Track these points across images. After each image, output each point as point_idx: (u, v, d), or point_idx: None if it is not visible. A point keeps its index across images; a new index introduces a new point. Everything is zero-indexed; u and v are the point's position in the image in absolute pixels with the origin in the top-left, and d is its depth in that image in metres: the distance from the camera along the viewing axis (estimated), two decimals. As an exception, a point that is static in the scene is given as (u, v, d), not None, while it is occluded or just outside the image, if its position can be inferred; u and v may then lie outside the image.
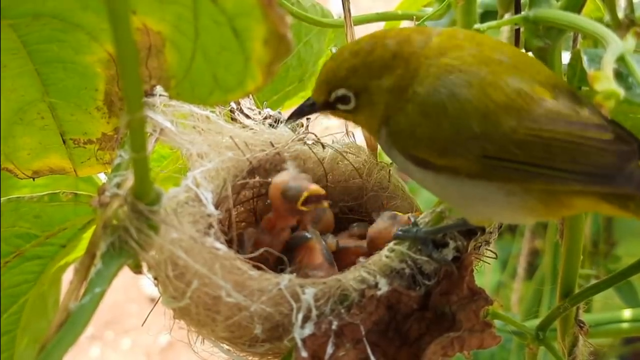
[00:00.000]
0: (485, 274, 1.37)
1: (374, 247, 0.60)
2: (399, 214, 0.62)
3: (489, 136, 0.45)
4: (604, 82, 0.41)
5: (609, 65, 0.42)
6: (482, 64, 0.46)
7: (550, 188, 0.46)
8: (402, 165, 0.50)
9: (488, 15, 0.86)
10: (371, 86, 0.49)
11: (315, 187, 0.57)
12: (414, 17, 0.72)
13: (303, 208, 0.56)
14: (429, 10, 0.77)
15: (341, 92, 0.50)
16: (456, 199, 0.51)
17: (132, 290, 2.40)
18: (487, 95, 0.45)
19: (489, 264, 0.58)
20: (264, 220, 0.62)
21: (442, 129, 0.46)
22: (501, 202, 0.47)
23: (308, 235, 0.60)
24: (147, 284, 2.35)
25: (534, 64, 0.48)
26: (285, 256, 0.58)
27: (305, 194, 0.56)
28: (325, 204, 0.57)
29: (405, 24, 0.82)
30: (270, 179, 0.60)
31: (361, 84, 0.49)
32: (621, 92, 0.40)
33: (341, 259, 0.61)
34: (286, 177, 0.58)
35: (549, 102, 0.45)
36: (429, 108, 0.46)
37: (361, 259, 0.56)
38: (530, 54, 0.53)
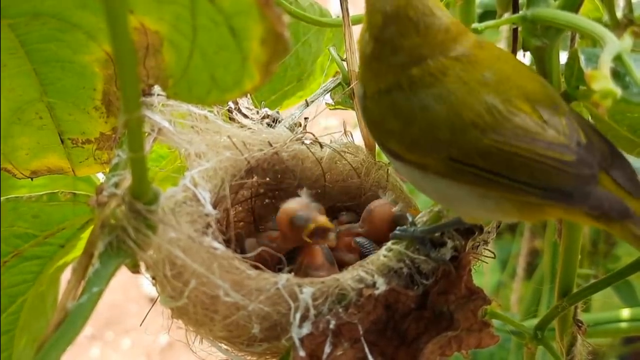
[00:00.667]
0: (484, 274, 1.37)
1: (370, 220, 0.62)
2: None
3: (454, 142, 0.45)
4: (601, 81, 0.41)
5: (606, 64, 0.42)
6: (460, 82, 0.46)
7: (510, 197, 0.46)
8: (383, 152, 0.52)
9: (488, 15, 0.86)
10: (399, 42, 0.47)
11: (323, 220, 0.57)
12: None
13: (308, 240, 0.56)
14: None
15: (388, 32, 0.48)
16: (433, 194, 0.52)
17: (131, 290, 2.41)
18: (456, 113, 0.45)
19: (486, 263, 0.58)
20: (267, 235, 0.62)
21: (409, 131, 0.47)
22: (475, 203, 0.48)
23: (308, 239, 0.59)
24: (146, 283, 2.36)
25: (522, 77, 0.48)
26: (286, 257, 0.58)
27: (311, 226, 0.56)
28: (332, 236, 0.57)
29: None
30: (268, 178, 0.61)
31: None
32: (618, 91, 0.40)
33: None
34: (296, 205, 0.58)
35: (520, 118, 0.45)
36: (399, 111, 0.47)
37: (358, 238, 0.59)
38: (528, 55, 0.53)
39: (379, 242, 0.60)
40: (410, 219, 0.56)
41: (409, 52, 0.47)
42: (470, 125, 0.45)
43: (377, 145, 0.66)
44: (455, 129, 0.45)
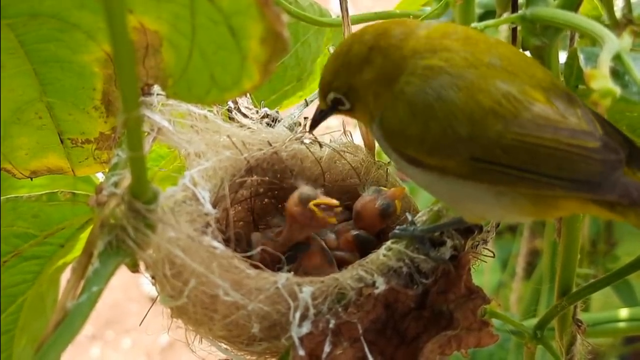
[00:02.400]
0: (485, 273, 1.37)
1: (360, 219, 0.62)
2: (384, 188, 0.62)
3: (476, 140, 0.45)
4: (600, 80, 0.41)
5: (605, 63, 0.42)
6: (471, 67, 0.46)
7: (530, 192, 0.46)
8: (396, 161, 0.51)
9: (488, 15, 0.86)
10: (354, 83, 0.50)
11: (328, 199, 0.57)
12: (411, 16, 0.72)
13: (315, 209, 0.56)
14: (428, 9, 0.77)
15: (332, 95, 0.52)
16: (447, 196, 0.51)
17: (132, 289, 2.41)
18: (475, 99, 0.45)
19: (485, 262, 0.58)
20: (272, 230, 0.62)
21: (429, 130, 0.46)
22: (491, 201, 0.47)
23: (307, 244, 0.59)
24: (147, 283, 2.35)
25: (529, 64, 0.48)
26: (286, 257, 0.58)
27: (318, 200, 0.57)
28: (338, 211, 0.57)
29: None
30: (267, 178, 0.61)
31: (345, 83, 0.51)
32: (617, 90, 0.40)
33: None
34: (302, 189, 0.59)
35: (538, 107, 0.45)
36: (416, 109, 0.46)
37: (353, 230, 0.61)
38: (527, 53, 0.53)
39: (375, 235, 0.62)
40: (409, 218, 0.56)
41: (409, 50, 0.48)
42: (490, 114, 0.44)
43: (377, 147, 0.66)
44: (475, 119, 0.44)
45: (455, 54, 0.46)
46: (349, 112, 0.53)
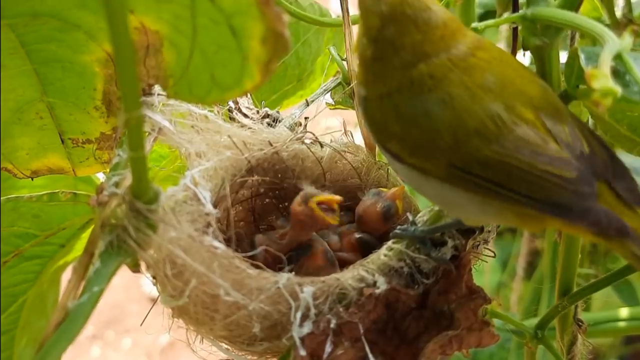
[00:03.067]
0: (485, 273, 1.37)
1: (363, 223, 0.62)
2: (384, 189, 0.63)
3: (455, 150, 0.45)
4: (601, 80, 0.41)
5: (606, 63, 0.42)
6: (463, 87, 0.45)
7: (508, 207, 0.46)
8: (383, 154, 0.52)
9: (488, 15, 0.86)
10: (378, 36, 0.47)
11: (330, 196, 0.57)
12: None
13: (315, 207, 0.56)
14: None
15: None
16: (435, 199, 0.52)
17: (133, 290, 2.41)
18: (460, 120, 0.45)
19: (486, 262, 0.58)
20: (275, 232, 0.62)
21: (411, 135, 0.46)
22: (476, 210, 0.48)
23: (309, 246, 0.60)
24: (147, 283, 2.35)
25: (525, 81, 0.48)
26: (287, 258, 0.58)
27: (320, 197, 0.57)
28: (335, 215, 0.57)
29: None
30: (268, 178, 0.61)
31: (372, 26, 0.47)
32: (618, 90, 0.40)
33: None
34: (306, 189, 0.59)
35: (522, 129, 0.45)
36: (402, 115, 0.47)
37: (356, 234, 0.61)
38: (527, 54, 0.53)
39: (378, 238, 0.61)
40: (410, 218, 0.56)
41: (411, 49, 0.46)
42: (474, 134, 0.44)
43: (377, 146, 0.66)
44: (458, 138, 0.45)
45: (450, 71, 0.46)
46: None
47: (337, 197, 0.57)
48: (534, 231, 0.65)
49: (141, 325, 0.57)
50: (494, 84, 0.46)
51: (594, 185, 0.45)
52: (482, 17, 0.86)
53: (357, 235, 0.62)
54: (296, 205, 0.57)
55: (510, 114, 0.45)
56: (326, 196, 0.57)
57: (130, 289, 2.40)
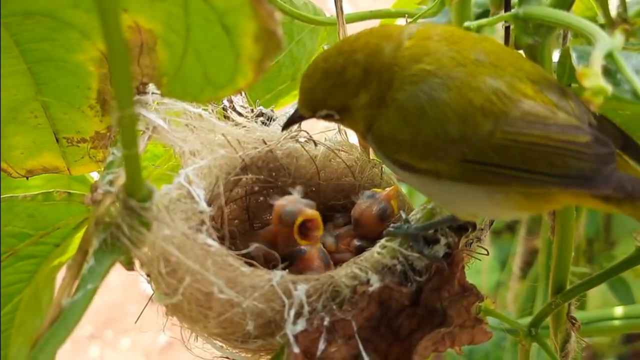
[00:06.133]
0: (483, 273, 1.38)
1: (359, 226, 0.62)
2: (377, 190, 0.63)
3: (467, 140, 0.45)
4: (592, 78, 0.41)
5: (597, 61, 0.42)
6: (459, 66, 0.46)
7: (522, 189, 0.46)
8: (389, 166, 0.52)
9: (485, 14, 0.86)
10: (349, 104, 0.50)
11: (310, 212, 0.57)
12: (406, 15, 0.72)
13: (300, 241, 0.57)
14: (424, 8, 0.77)
15: (324, 112, 0.51)
16: (439, 197, 0.52)
17: (131, 289, 2.40)
18: (465, 98, 0.45)
19: (480, 260, 0.58)
20: (265, 231, 0.63)
21: (421, 133, 0.46)
22: (484, 200, 0.48)
23: (304, 249, 0.60)
24: (146, 283, 2.35)
25: (516, 58, 0.48)
26: (282, 257, 0.58)
27: (299, 219, 0.57)
28: (318, 233, 0.58)
29: (399, 21, 0.82)
30: (262, 176, 0.61)
31: (339, 104, 0.50)
32: (609, 88, 0.40)
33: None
34: (285, 202, 0.59)
35: (527, 104, 0.45)
36: (408, 113, 0.47)
37: (355, 241, 0.60)
38: (521, 52, 0.54)
39: (375, 240, 0.60)
40: (403, 216, 0.56)
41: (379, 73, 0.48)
42: (481, 111, 0.44)
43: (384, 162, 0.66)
44: (466, 118, 0.44)
45: (442, 55, 0.46)
46: (337, 121, 0.53)
47: (315, 214, 0.57)
48: (540, 212, 0.65)
49: (135, 322, 0.57)
50: (487, 61, 0.46)
51: (611, 145, 0.45)
52: (479, 16, 0.86)
53: (356, 244, 0.62)
54: (275, 221, 0.58)
55: (512, 90, 0.45)
56: (307, 214, 0.57)
57: (128, 289, 2.40)
